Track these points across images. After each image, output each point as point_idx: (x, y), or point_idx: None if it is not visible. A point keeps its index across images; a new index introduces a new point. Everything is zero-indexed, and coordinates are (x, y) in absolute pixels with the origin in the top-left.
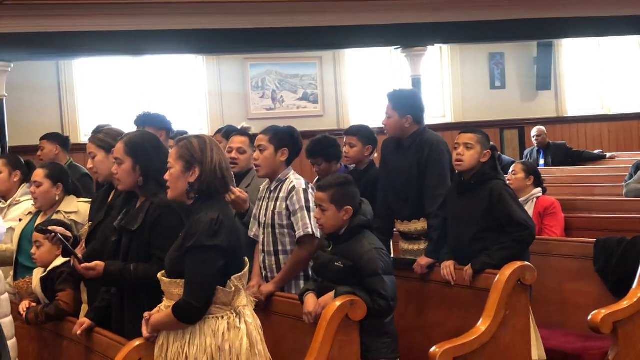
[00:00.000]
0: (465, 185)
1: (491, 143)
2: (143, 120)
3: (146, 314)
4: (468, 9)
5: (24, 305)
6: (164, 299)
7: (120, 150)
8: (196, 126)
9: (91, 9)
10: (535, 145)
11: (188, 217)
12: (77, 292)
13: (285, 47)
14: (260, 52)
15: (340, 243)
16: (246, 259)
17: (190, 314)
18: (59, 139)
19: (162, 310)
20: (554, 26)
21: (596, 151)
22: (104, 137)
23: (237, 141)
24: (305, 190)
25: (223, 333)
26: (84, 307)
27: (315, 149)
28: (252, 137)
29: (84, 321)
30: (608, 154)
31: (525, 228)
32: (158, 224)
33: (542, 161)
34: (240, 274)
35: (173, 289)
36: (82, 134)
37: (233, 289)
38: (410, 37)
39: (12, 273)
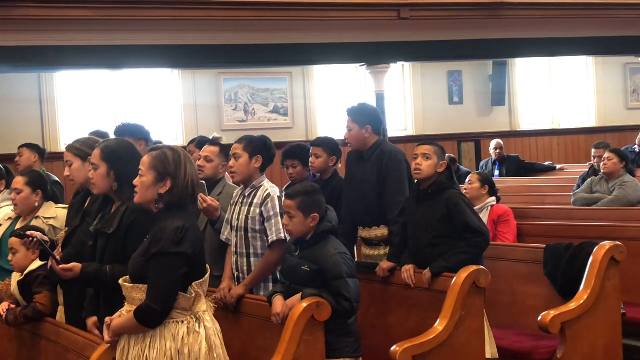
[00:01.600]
0: (424, 194)
1: (450, 155)
2: (122, 130)
3: (107, 319)
4: (428, 30)
5: (3, 307)
6: (125, 303)
7: (97, 156)
8: (171, 136)
9: (72, 24)
10: (493, 157)
11: (153, 223)
12: (54, 293)
13: (257, 63)
14: (232, 67)
15: (306, 248)
16: (207, 266)
17: (152, 318)
18: (38, 149)
19: (124, 314)
20: (508, 46)
21: (547, 163)
22: (80, 146)
23: (207, 150)
24: (280, 198)
25: (183, 337)
26: (60, 309)
27: (295, 151)
28: (223, 147)
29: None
30: (558, 166)
31: (480, 234)
32: (133, 227)
33: (497, 172)
34: (200, 280)
35: (135, 294)
36: (62, 144)
37: (193, 294)
38: (374, 55)
39: None
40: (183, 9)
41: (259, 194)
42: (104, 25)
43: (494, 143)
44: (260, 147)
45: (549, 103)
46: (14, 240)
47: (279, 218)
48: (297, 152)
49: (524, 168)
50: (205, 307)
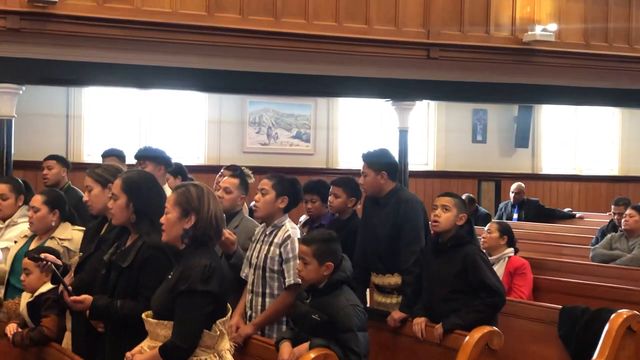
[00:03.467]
0: (442, 246)
1: (469, 195)
2: (143, 154)
3: (128, 354)
4: (456, 70)
5: (11, 328)
6: (148, 338)
7: (117, 187)
8: (193, 155)
9: (104, 42)
10: (512, 200)
11: (178, 260)
12: (62, 318)
13: (282, 91)
14: (257, 94)
15: (318, 296)
16: (229, 304)
17: (178, 355)
18: (67, 163)
19: (145, 350)
20: (534, 92)
21: (566, 209)
22: (102, 172)
23: (227, 181)
24: (300, 240)
25: None
26: (67, 335)
27: (315, 187)
28: (243, 180)
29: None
30: (577, 214)
31: (496, 294)
32: (148, 263)
33: (515, 215)
34: (224, 318)
35: (159, 330)
36: (86, 155)
37: (218, 333)
38: (401, 92)
39: (2, 291)
40: (213, 34)
41: (279, 233)
42: (135, 45)
43: (514, 186)
44: (289, 189)
45: (573, 148)
46: (27, 262)
47: (298, 261)
48: (317, 187)
49: (543, 213)
50: (227, 346)
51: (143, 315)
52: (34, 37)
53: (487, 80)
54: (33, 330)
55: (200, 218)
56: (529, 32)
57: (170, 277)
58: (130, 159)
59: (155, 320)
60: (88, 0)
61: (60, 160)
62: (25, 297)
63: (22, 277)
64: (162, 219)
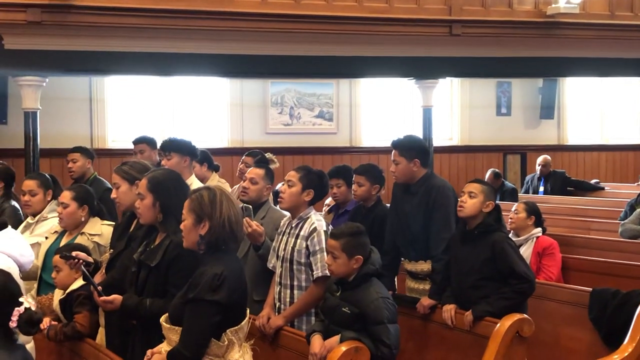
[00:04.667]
0: (469, 234)
1: (495, 170)
2: (169, 146)
3: (149, 352)
4: (479, 46)
5: (45, 322)
6: (165, 341)
7: (143, 186)
8: (217, 137)
9: (125, 31)
10: (538, 173)
11: (196, 261)
12: (94, 314)
13: (304, 74)
14: (280, 77)
15: (348, 289)
16: (248, 310)
17: None
18: (91, 154)
19: (162, 352)
20: (559, 65)
21: (593, 181)
22: (129, 170)
23: (252, 172)
24: (326, 232)
25: None
26: (101, 330)
27: (341, 171)
28: (269, 170)
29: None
30: (605, 186)
31: (526, 280)
32: (175, 262)
33: (542, 188)
34: (236, 327)
35: (171, 335)
36: (110, 141)
37: (226, 342)
38: (424, 70)
39: (35, 286)
40: (234, 19)
41: (305, 226)
42: (156, 33)
43: (540, 159)
44: (316, 182)
45: (599, 118)
46: (57, 259)
47: (324, 253)
48: (343, 172)
49: (570, 185)
50: (237, 356)
51: (161, 320)
52: (56, 29)
53: (510, 55)
54: (66, 326)
55: (213, 223)
56: (553, 5)
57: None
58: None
59: (168, 325)
60: None
61: (84, 152)
62: (58, 294)
63: (53, 274)
64: (181, 226)
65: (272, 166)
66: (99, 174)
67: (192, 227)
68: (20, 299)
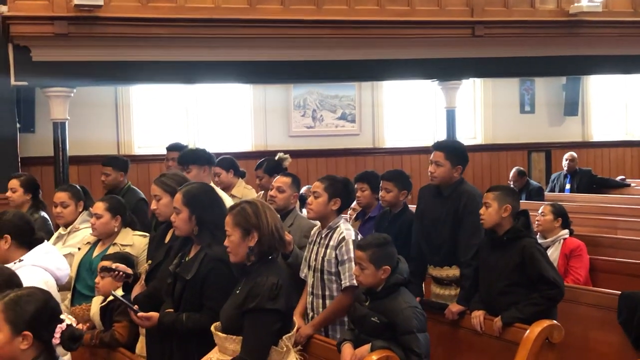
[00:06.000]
0: (498, 240)
1: (519, 168)
2: (187, 159)
3: None
4: (502, 46)
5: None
6: (216, 350)
7: (179, 201)
8: (240, 141)
9: (148, 41)
10: (565, 170)
11: (245, 276)
12: (134, 324)
13: (327, 79)
14: (303, 82)
15: (377, 299)
16: (294, 318)
17: None
18: (122, 165)
19: None
20: (582, 63)
21: (618, 178)
22: (170, 182)
23: (279, 181)
24: (354, 241)
25: None
26: (142, 339)
27: (365, 176)
28: (295, 178)
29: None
30: (632, 184)
31: (555, 286)
32: (211, 275)
33: (568, 186)
34: (290, 334)
35: (227, 344)
36: (136, 147)
37: (284, 348)
38: (446, 71)
39: (69, 296)
40: (256, 27)
41: (334, 235)
42: (181, 42)
43: (567, 155)
44: (341, 190)
45: (623, 113)
46: (106, 263)
47: (352, 263)
48: (367, 177)
49: (596, 183)
50: None
51: (212, 328)
52: (82, 41)
53: (533, 54)
54: (104, 332)
55: (263, 233)
56: (575, 4)
57: (238, 291)
58: None
59: (223, 335)
60: (132, 1)
61: (116, 165)
62: (98, 301)
63: (97, 279)
64: (226, 242)
65: (285, 164)
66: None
67: (240, 241)
68: (62, 316)
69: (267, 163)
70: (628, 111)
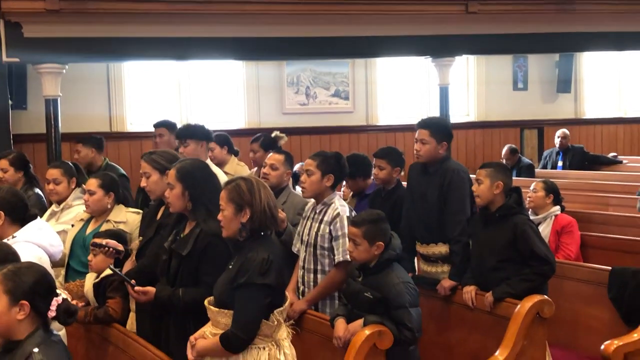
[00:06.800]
0: (491, 216)
1: (511, 145)
2: (185, 133)
3: (192, 338)
4: (496, 23)
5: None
6: (209, 324)
7: (172, 176)
8: (234, 119)
9: (140, 17)
10: (557, 147)
11: (238, 252)
12: (126, 301)
13: (320, 55)
14: (295, 59)
15: (370, 275)
16: (287, 293)
17: (237, 344)
18: (94, 143)
19: (207, 335)
20: (576, 40)
21: (611, 154)
22: (159, 159)
23: (273, 158)
24: (349, 218)
25: None
26: (132, 315)
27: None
28: (288, 155)
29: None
30: (623, 160)
31: (547, 262)
32: (206, 250)
33: (560, 163)
34: (281, 308)
35: (220, 318)
36: (129, 123)
37: (275, 322)
38: (440, 48)
39: (63, 273)
40: (248, 2)
41: (329, 211)
42: (171, 18)
43: (559, 132)
44: (333, 166)
45: (617, 90)
46: (97, 240)
47: (346, 239)
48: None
49: (588, 160)
50: (285, 335)
51: (205, 302)
52: (74, 17)
53: (527, 31)
54: (98, 309)
55: (255, 210)
56: None
57: (230, 267)
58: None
59: (216, 309)
60: None
61: (87, 142)
62: (91, 278)
63: (90, 257)
64: (219, 216)
65: (280, 142)
66: (118, 157)
67: (232, 216)
68: (58, 290)
69: (264, 138)
70: (621, 88)
